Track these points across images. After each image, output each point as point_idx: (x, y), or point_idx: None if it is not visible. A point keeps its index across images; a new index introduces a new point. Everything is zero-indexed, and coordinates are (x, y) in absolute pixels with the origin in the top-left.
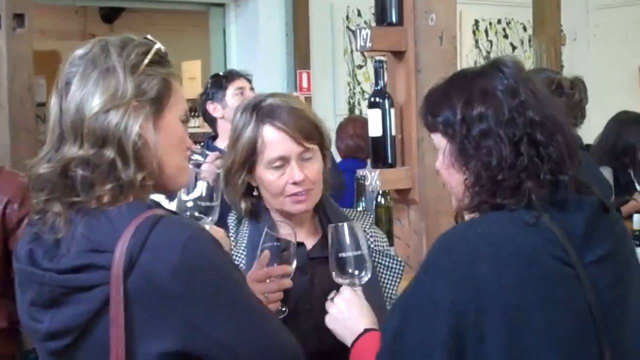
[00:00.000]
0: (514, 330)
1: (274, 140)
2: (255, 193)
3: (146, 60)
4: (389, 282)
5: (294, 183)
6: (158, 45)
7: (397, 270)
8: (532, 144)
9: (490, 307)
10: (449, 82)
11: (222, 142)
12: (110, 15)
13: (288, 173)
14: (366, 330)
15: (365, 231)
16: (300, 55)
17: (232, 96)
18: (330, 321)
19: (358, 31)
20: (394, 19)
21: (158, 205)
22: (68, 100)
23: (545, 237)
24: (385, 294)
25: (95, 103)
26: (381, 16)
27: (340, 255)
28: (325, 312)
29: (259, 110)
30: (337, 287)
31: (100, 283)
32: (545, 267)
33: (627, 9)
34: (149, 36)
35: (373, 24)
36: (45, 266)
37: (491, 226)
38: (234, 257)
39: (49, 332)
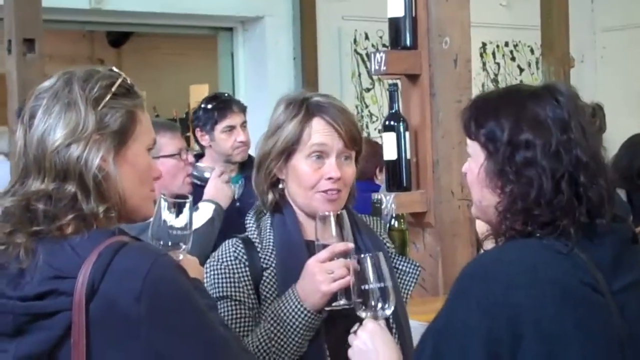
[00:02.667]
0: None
1: (322, 130)
2: (281, 186)
3: (110, 94)
4: (406, 284)
5: (329, 178)
6: (122, 77)
7: (413, 274)
8: (574, 183)
9: (527, 336)
10: (501, 95)
11: (209, 165)
12: (117, 40)
13: (325, 168)
14: None
15: (380, 235)
16: (308, 78)
17: (220, 132)
18: (353, 354)
19: (372, 55)
20: (408, 43)
21: (122, 232)
22: (31, 134)
23: (575, 264)
24: (403, 294)
25: (56, 137)
26: (395, 40)
27: (363, 287)
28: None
29: (309, 104)
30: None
31: (62, 309)
32: (579, 295)
33: (634, 30)
34: (114, 68)
35: (381, 47)
36: (8, 294)
37: (523, 253)
38: (261, 259)
39: None
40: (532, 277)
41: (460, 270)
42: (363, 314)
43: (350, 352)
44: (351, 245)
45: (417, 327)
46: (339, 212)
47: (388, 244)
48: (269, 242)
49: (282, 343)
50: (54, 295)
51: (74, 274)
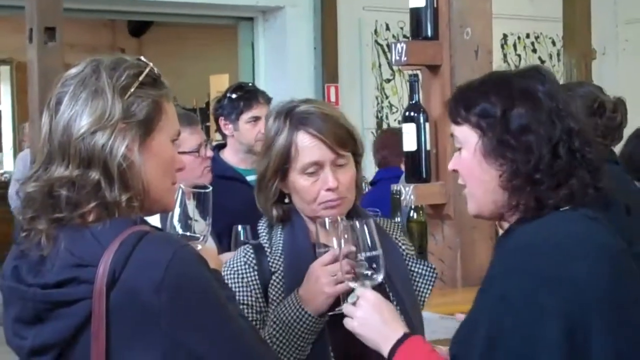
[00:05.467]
0: (619, 327)
1: (308, 146)
2: (287, 200)
3: (137, 83)
4: (423, 288)
5: (328, 189)
6: (150, 67)
7: (430, 277)
8: (569, 150)
9: (595, 306)
10: (485, 78)
11: (230, 155)
12: (138, 29)
13: (322, 179)
14: (406, 335)
15: (396, 239)
16: (328, 69)
17: (244, 122)
18: (360, 325)
19: (393, 45)
20: (429, 33)
21: (144, 221)
22: (57, 120)
23: (607, 229)
24: (419, 299)
25: (82, 124)
26: (416, 30)
27: (353, 255)
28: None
29: (292, 116)
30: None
31: (82, 297)
32: (623, 260)
33: None
34: (142, 58)
35: (401, 38)
36: (29, 282)
37: (566, 224)
38: (270, 264)
39: (33, 349)
40: (584, 247)
41: (479, 262)
42: (352, 284)
43: (352, 323)
44: (353, 247)
45: (431, 319)
46: (351, 223)
47: (404, 246)
48: (278, 246)
49: (285, 347)
50: (74, 284)
51: (95, 262)
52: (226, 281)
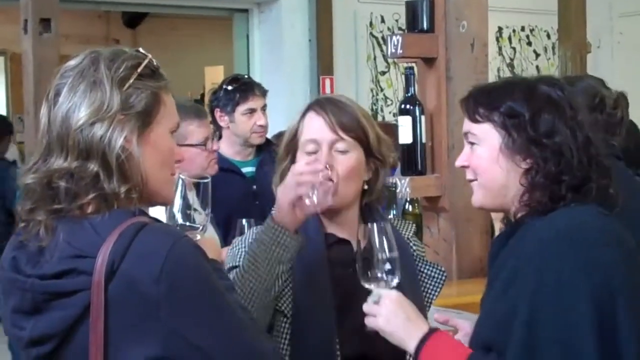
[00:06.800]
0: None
1: (310, 123)
2: None
3: (135, 74)
4: (431, 289)
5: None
6: (149, 58)
7: (439, 279)
8: (588, 152)
9: (620, 293)
10: (507, 80)
11: (226, 147)
12: (133, 20)
13: (317, 160)
14: (432, 330)
15: (408, 239)
16: (323, 61)
17: (240, 114)
18: (386, 323)
19: (389, 38)
20: (425, 26)
21: (142, 213)
22: (55, 112)
23: (621, 225)
24: (426, 300)
25: (80, 115)
26: (412, 23)
27: (372, 257)
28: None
29: (311, 102)
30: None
31: (81, 288)
32: (634, 252)
33: None
34: (141, 49)
35: (397, 30)
36: (28, 272)
37: (585, 217)
38: None
39: (31, 339)
40: (608, 236)
41: (474, 254)
42: (370, 285)
43: (377, 321)
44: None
45: (432, 311)
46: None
47: (415, 247)
48: None
49: (253, 269)
50: (73, 275)
51: (93, 253)
52: (235, 249)
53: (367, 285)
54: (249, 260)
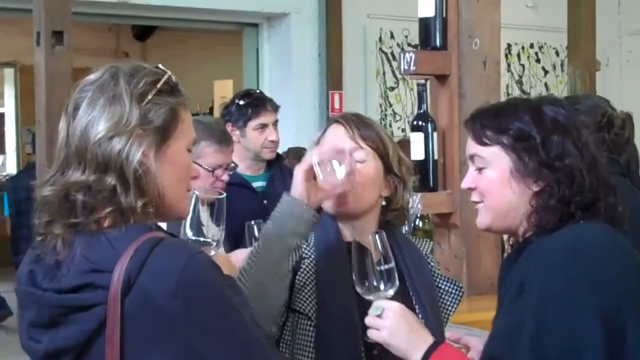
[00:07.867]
0: None
1: (332, 132)
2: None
3: (154, 90)
4: (449, 304)
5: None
6: (168, 74)
7: (456, 294)
8: (596, 176)
9: (627, 307)
10: (512, 101)
11: (237, 162)
12: (142, 34)
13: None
14: (436, 342)
15: (426, 255)
16: (332, 76)
17: (252, 129)
18: (390, 335)
19: (402, 54)
20: (438, 43)
21: (159, 228)
22: (74, 125)
23: (628, 241)
24: (443, 315)
25: (99, 129)
26: (425, 40)
27: (372, 267)
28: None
29: (335, 115)
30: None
31: (98, 303)
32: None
33: None
34: (160, 65)
35: (406, 46)
36: (45, 286)
37: (592, 233)
38: (303, 247)
39: (47, 353)
40: (615, 251)
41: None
42: (369, 296)
43: (381, 334)
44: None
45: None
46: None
47: (432, 264)
48: (311, 234)
49: (268, 242)
50: (90, 289)
51: (110, 268)
52: None
53: (365, 295)
54: (264, 234)
